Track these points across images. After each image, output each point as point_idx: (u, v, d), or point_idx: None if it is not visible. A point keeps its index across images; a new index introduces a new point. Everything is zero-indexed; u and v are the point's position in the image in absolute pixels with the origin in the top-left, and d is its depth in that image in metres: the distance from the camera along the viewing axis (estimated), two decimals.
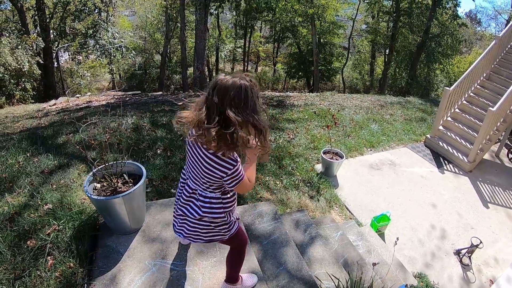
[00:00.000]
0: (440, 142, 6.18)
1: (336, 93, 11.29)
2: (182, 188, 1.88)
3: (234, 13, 22.34)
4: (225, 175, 1.61)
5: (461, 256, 3.88)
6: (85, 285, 2.18)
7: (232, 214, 1.93)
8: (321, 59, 20.77)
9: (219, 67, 25.39)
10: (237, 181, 1.64)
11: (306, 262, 2.79)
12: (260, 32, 27.64)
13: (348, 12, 22.53)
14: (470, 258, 3.85)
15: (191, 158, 1.70)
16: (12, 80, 11.52)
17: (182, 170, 1.95)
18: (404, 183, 5.08)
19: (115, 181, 2.53)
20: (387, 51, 20.63)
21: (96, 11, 13.99)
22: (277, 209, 3.34)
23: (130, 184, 2.55)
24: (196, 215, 1.81)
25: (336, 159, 4.80)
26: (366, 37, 22.57)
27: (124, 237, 2.59)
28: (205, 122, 1.48)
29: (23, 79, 11.91)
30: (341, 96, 9.75)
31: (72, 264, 2.26)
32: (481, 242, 3.79)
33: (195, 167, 1.70)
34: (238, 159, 1.62)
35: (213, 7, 13.01)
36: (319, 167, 5.02)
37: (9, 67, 11.04)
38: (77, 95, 13.68)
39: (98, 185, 2.53)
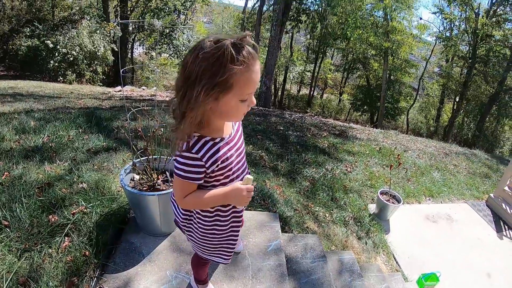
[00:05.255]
0: (503, 204, 5.52)
1: (399, 133, 10.71)
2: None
3: (309, 36, 22.36)
4: None
5: None
6: (95, 279, 1.96)
7: None
8: (388, 96, 20.01)
9: (286, 87, 25.46)
10: None
11: None
12: (331, 60, 27.46)
13: (422, 52, 21.69)
14: None
15: (237, 154, 1.33)
16: (85, 61, 12.36)
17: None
18: (459, 242, 4.55)
19: (155, 176, 2.33)
20: (457, 98, 19.48)
21: (175, 12, 14.62)
22: (323, 246, 2.97)
23: (171, 184, 2.34)
24: None
25: (393, 203, 4.36)
26: (437, 81, 21.60)
27: (151, 239, 2.35)
28: None
29: (95, 62, 12.70)
30: (405, 137, 9.21)
31: (87, 253, 2.05)
32: None
33: (241, 159, 1.37)
34: None
35: (289, 25, 13.00)
36: (372, 207, 4.62)
37: (85, 48, 11.83)
38: (143, 87, 14.27)
39: (137, 177, 2.35)
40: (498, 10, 17.26)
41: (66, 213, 2.29)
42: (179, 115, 1.10)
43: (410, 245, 4.21)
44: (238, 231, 1.50)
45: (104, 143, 3.61)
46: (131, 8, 14.35)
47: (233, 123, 1.35)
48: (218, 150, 1.20)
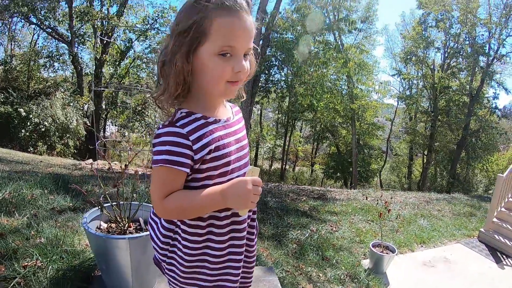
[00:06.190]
0: (496, 236, 5.57)
1: (378, 190, 10.88)
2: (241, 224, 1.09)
3: (277, 111, 23.29)
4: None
5: None
6: None
7: None
8: (360, 159, 20.51)
9: (258, 163, 25.59)
10: None
11: None
12: (300, 132, 28.38)
13: (386, 114, 23.01)
14: None
15: (237, 145, 1.05)
16: (57, 133, 12.15)
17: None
18: (462, 281, 4.40)
19: (126, 223, 2.01)
20: (426, 151, 20.40)
21: (147, 89, 15.04)
22: None
23: (146, 230, 2.01)
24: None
25: (387, 253, 4.14)
26: (404, 139, 22.73)
27: None
28: None
29: (67, 135, 12.50)
30: (384, 192, 9.34)
31: None
32: None
33: (243, 155, 1.08)
34: None
35: (258, 97, 13.53)
36: (366, 263, 4.39)
37: (57, 120, 11.70)
38: (115, 162, 13.92)
39: (105, 225, 2.03)
40: (451, 62, 18.99)
41: (16, 265, 1.91)
42: (158, 73, 0.93)
43: None
44: (239, 259, 1.10)
45: (71, 204, 3.33)
46: (105, 84, 14.65)
47: (232, 109, 1.13)
48: (211, 132, 0.95)
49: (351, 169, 19.46)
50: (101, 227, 1.99)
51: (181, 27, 0.87)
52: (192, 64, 0.91)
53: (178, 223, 1.03)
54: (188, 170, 0.92)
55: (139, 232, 1.98)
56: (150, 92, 1.00)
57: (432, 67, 19.39)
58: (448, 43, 18.80)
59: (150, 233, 1.15)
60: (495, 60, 17.09)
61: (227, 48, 0.89)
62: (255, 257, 1.26)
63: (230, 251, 1.07)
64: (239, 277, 1.13)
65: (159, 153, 0.90)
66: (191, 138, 0.91)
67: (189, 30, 0.86)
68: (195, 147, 0.91)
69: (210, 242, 1.04)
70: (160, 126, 0.94)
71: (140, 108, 15.24)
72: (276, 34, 11.36)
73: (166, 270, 1.10)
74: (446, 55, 19.12)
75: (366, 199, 6.88)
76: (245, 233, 1.10)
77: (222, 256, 1.06)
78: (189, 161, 0.91)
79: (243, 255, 1.12)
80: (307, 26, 10.88)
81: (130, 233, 1.97)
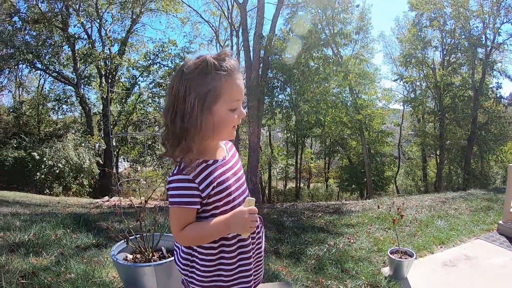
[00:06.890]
0: None
1: (393, 197, 10.77)
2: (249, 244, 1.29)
3: (285, 131, 23.43)
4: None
5: None
6: None
7: None
8: (373, 168, 20.31)
9: (272, 185, 25.74)
10: None
11: None
12: (311, 148, 28.38)
13: (394, 119, 22.89)
14: None
15: (235, 178, 1.27)
16: (71, 174, 12.46)
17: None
18: (486, 277, 4.27)
19: (150, 252, 2.16)
20: (438, 151, 20.07)
21: (155, 123, 15.41)
22: None
23: (169, 257, 2.15)
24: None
25: (406, 258, 4.12)
26: (415, 142, 22.45)
27: None
28: None
29: (81, 175, 12.78)
30: (399, 198, 9.29)
31: None
32: None
33: (240, 185, 1.29)
34: None
35: (265, 120, 13.66)
36: (386, 270, 4.32)
37: (71, 161, 12.02)
38: (131, 197, 14.10)
39: (130, 256, 2.19)
40: (451, 58, 18.81)
41: None
42: (176, 134, 1.11)
43: None
44: (249, 269, 1.29)
45: (94, 240, 3.49)
46: (114, 122, 15.04)
47: (227, 148, 1.34)
48: (212, 172, 1.17)
49: (365, 179, 19.29)
50: (128, 258, 2.14)
51: (199, 93, 1.07)
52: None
53: (195, 247, 1.25)
54: (198, 207, 1.15)
55: (162, 260, 2.13)
56: (172, 156, 1.18)
57: (432, 66, 19.26)
58: (445, 40, 18.73)
59: (174, 258, 1.37)
60: (493, 49, 16.91)
61: (237, 102, 1.15)
62: (262, 254, 1.44)
63: (240, 263, 1.28)
64: (252, 282, 1.33)
65: (172, 196, 1.14)
66: (197, 181, 1.13)
67: (206, 96, 1.08)
68: (201, 187, 1.13)
69: (223, 259, 1.25)
70: (171, 175, 1.17)
71: (150, 143, 15.61)
72: (275, 56, 11.63)
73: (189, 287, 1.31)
74: (444, 52, 19.00)
75: (378, 208, 6.83)
76: (250, 246, 1.31)
77: (233, 269, 1.26)
78: (198, 199, 1.14)
79: (252, 265, 1.32)
80: (304, 44, 11.12)
81: (154, 261, 2.11)
